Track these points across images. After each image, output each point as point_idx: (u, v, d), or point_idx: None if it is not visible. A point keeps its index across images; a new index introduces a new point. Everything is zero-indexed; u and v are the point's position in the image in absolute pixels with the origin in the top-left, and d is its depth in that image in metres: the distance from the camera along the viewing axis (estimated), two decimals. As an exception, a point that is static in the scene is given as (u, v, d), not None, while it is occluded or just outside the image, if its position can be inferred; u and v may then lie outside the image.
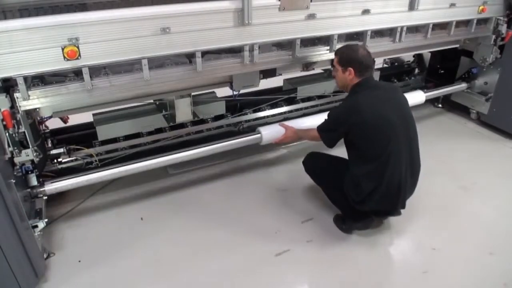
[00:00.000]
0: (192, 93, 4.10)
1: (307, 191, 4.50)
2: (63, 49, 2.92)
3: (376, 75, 5.48)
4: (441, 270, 3.59)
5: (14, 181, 2.94)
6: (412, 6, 4.44)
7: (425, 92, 5.76)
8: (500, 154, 5.42)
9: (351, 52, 3.54)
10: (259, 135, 4.42)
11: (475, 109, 6.15)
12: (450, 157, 5.31)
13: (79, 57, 3.00)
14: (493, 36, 5.47)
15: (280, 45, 4.03)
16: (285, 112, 5.26)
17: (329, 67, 4.76)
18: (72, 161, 4.12)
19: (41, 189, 3.54)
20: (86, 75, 3.11)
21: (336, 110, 3.71)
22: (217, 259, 3.63)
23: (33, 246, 3.13)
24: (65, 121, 4.11)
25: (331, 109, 3.78)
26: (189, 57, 3.58)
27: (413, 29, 4.83)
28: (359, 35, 4.44)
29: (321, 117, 3.84)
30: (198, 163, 4.71)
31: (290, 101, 5.30)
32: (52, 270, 3.46)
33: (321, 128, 3.74)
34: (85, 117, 4.13)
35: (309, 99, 5.37)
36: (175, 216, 4.13)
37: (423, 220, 4.17)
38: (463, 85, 6.12)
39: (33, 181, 3.51)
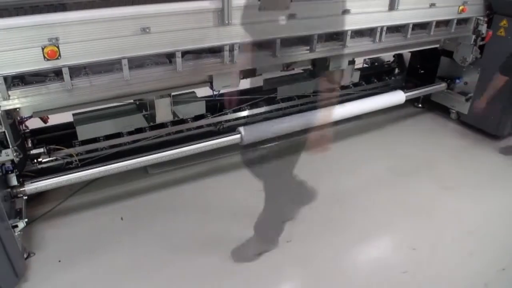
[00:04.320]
0: (172, 93, 4.10)
1: (288, 191, 4.51)
2: (43, 49, 2.92)
3: (356, 76, 5.52)
4: (421, 270, 3.64)
5: (-6, 181, 2.94)
6: (392, 6, 4.48)
7: (405, 92, 5.82)
8: (480, 154, 5.49)
9: None
10: (239, 135, 4.45)
11: (455, 109, 6.21)
12: (430, 157, 5.35)
13: (59, 57, 3.00)
14: (473, 36, 5.51)
15: (260, 45, 4.04)
16: (265, 112, 5.26)
17: (309, 66, 4.79)
18: (52, 161, 4.10)
19: (21, 189, 3.54)
20: (66, 75, 3.11)
21: None
22: (198, 258, 3.65)
23: (13, 246, 3.13)
24: (45, 121, 4.08)
25: None
26: (169, 57, 3.59)
27: (393, 29, 4.87)
28: (339, 35, 4.46)
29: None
30: (178, 163, 4.70)
31: (270, 101, 5.29)
32: (32, 270, 3.45)
33: None
34: (65, 117, 4.10)
35: (289, 99, 5.37)
36: (155, 216, 4.14)
37: (404, 220, 4.22)
38: (443, 85, 6.17)
39: (13, 181, 3.51)
